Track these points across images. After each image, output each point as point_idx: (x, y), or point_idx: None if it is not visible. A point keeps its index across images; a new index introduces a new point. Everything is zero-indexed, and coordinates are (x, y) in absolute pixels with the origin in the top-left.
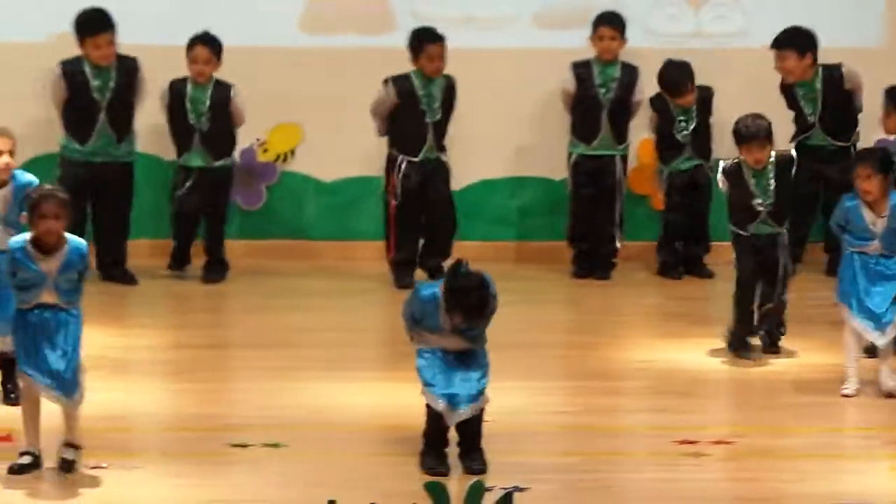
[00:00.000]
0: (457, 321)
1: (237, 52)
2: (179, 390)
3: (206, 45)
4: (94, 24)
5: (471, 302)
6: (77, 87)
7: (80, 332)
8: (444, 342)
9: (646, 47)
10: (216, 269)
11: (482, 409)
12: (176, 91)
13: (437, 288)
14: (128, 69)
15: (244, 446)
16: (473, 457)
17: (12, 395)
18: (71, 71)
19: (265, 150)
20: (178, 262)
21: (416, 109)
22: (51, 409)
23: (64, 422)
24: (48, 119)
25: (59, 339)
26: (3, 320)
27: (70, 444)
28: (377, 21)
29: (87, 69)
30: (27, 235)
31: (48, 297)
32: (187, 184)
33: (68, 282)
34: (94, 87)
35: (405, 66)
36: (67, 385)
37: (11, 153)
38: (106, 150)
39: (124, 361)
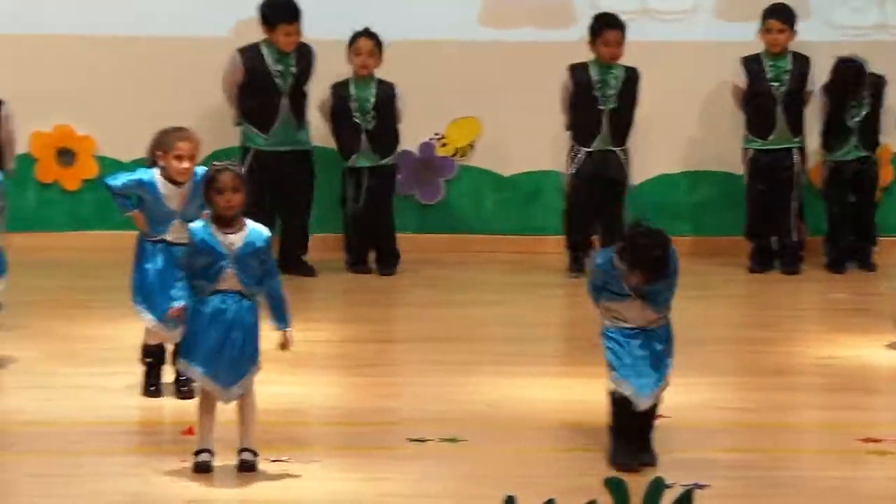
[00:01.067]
0: (638, 279)
1: (416, 45)
2: (357, 384)
3: (370, 38)
4: (286, 12)
5: (653, 255)
6: (258, 73)
7: (258, 325)
8: (630, 312)
9: (827, 42)
10: (389, 263)
11: (659, 398)
12: (339, 93)
13: (611, 252)
14: (306, 55)
15: (421, 441)
16: (644, 449)
17: (184, 389)
18: (250, 57)
19: (444, 145)
20: (356, 266)
21: (590, 97)
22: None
23: (239, 426)
24: (230, 113)
25: (235, 333)
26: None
27: (247, 449)
28: (557, 14)
29: (267, 55)
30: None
31: (229, 283)
32: (357, 188)
33: (250, 266)
34: (276, 73)
35: (584, 59)
36: (232, 379)
37: (192, 157)
38: (288, 137)
39: (302, 355)
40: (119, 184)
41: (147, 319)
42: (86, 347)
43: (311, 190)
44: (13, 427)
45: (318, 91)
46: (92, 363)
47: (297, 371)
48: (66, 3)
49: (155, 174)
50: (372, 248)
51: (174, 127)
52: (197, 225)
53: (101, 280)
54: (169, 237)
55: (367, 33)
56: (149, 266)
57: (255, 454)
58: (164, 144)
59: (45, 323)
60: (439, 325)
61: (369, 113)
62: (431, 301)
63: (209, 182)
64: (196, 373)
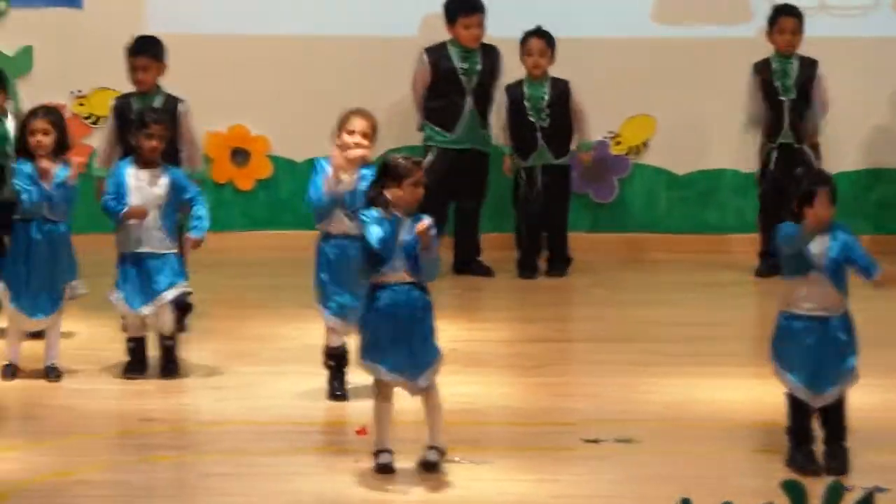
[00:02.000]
0: (822, 205)
1: (589, 43)
2: (531, 384)
3: (542, 37)
4: (465, 5)
5: (823, 173)
6: (443, 71)
7: (431, 315)
8: (812, 289)
9: None
10: (559, 267)
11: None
12: (513, 92)
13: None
14: (491, 55)
15: (596, 441)
16: (835, 454)
17: (338, 393)
18: (436, 55)
19: (618, 143)
20: (528, 269)
21: (770, 89)
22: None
23: (427, 423)
24: (415, 115)
25: (410, 325)
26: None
27: (434, 448)
28: (732, 10)
29: (453, 53)
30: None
31: (398, 276)
32: (532, 187)
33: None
34: (461, 70)
35: (760, 56)
36: (417, 372)
37: (366, 135)
38: (470, 136)
39: (476, 355)
40: (318, 196)
41: (327, 318)
42: (260, 347)
43: (484, 191)
44: (190, 426)
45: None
46: (267, 362)
47: (471, 371)
48: (243, 4)
49: (326, 163)
50: (543, 249)
51: (357, 107)
52: (370, 212)
53: (275, 279)
54: (342, 230)
55: (538, 32)
56: (328, 265)
57: (442, 453)
58: (340, 122)
59: (220, 323)
60: (614, 325)
61: (543, 111)
62: (606, 301)
63: (393, 174)
64: (381, 371)
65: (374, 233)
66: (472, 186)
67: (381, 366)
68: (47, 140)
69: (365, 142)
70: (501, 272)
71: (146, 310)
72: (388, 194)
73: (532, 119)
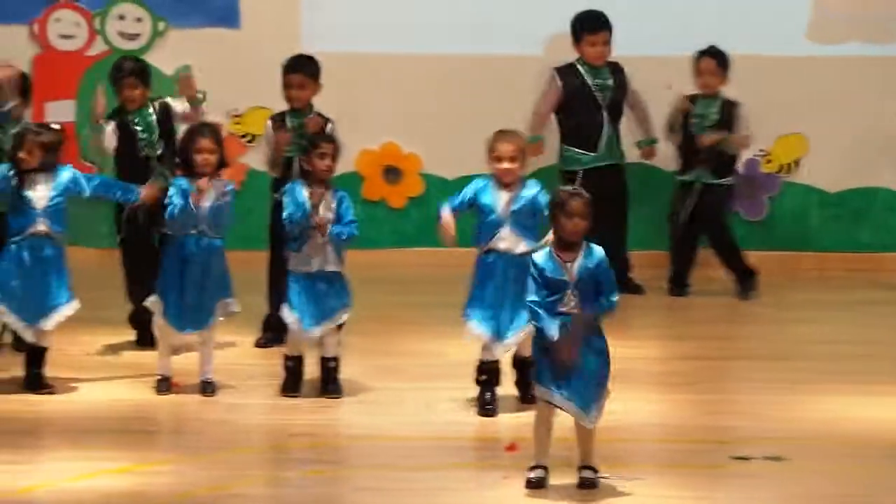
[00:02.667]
0: None
1: (742, 61)
2: (680, 401)
3: (713, 57)
4: (593, 22)
5: None
6: (576, 90)
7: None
8: None
9: None
10: (747, 285)
11: None
12: (685, 107)
13: None
14: (619, 71)
15: (745, 459)
16: None
17: (488, 408)
18: (567, 75)
19: (769, 161)
20: (679, 285)
21: None
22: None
23: (578, 443)
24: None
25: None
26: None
27: (587, 467)
28: (886, 29)
29: (582, 70)
30: (550, 237)
31: (569, 307)
32: (685, 204)
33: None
34: (595, 87)
35: None
36: (587, 402)
37: (513, 158)
38: (609, 152)
39: (626, 372)
40: (456, 204)
41: (478, 332)
42: (410, 363)
43: (626, 207)
44: (342, 441)
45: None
46: (417, 378)
47: (621, 388)
48: (395, 23)
49: (488, 181)
50: (695, 266)
51: (502, 129)
52: (540, 255)
53: (426, 296)
54: (501, 246)
55: (710, 52)
56: (484, 280)
57: (595, 471)
58: (488, 147)
59: (370, 339)
60: (765, 342)
61: (709, 130)
62: (759, 318)
63: (558, 204)
64: (556, 397)
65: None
66: (616, 202)
67: (555, 392)
68: (213, 159)
69: (514, 166)
70: (651, 289)
71: (317, 331)
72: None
73: (695, 134)
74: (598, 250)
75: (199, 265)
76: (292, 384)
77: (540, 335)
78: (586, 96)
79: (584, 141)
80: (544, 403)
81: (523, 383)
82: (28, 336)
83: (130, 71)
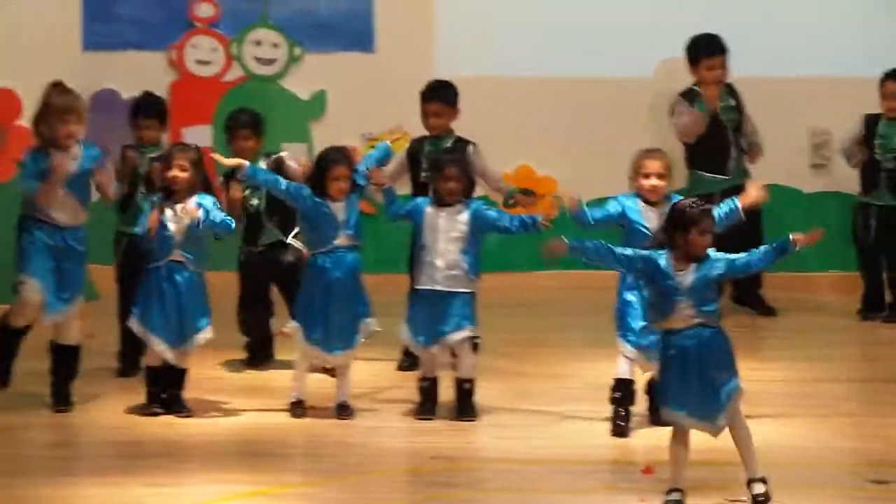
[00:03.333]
0: None
1: None
2: (817, 424)
3: None
4: (710, 46)
5: None
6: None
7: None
8: None
9: None
10: None
11: None
12: (868, 124)
13: None
14: (735, 92)
15: (883, 483)
16: None
17: (621, 424)
18: (691, 98)
19: None
20: (872, 307)
21: None
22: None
23: (742, 457)
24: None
25: (701, 368)
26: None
27: (756, 479)
28: None
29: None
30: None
31: (683, 317)
32: (866, 224)
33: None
34: (722, 109)
35: None
36: (713, 412)
37: (661, 175)
38: (739, 173)
39: (760, 394)
40: (599, 216)
41: (626, 349)
42: (547, 386)
43: (761, 224)
44: (477, 465)
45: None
46: (553, 401)
47: (752, 411)
48: (528, 46)
49: (636, 198)
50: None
51: (648, 148)
52: (659, 253)
53: (562, 319)
54: None
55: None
56: (627, 296)
57: (764, 481)
58: (634, 166)
59: (507, 361)
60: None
61: (891, 153)
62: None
63: (691, 220)
64: (681, 418)
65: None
66: (750, 222)
67: (678, 412)
68: (347, 186)
69: (661, 182)
70: (791, 311)
71: (434, 348)
72: (679, 240)
73: (878, 156)
74: (716, 256)
75: (343, 285)
76: (427, 406)
77: (660, 361)
78: (713, 121)
79: (715, 164)
80: (679, 426)
81: (654, 408)
82: (170, 358)
83: (245, 123)
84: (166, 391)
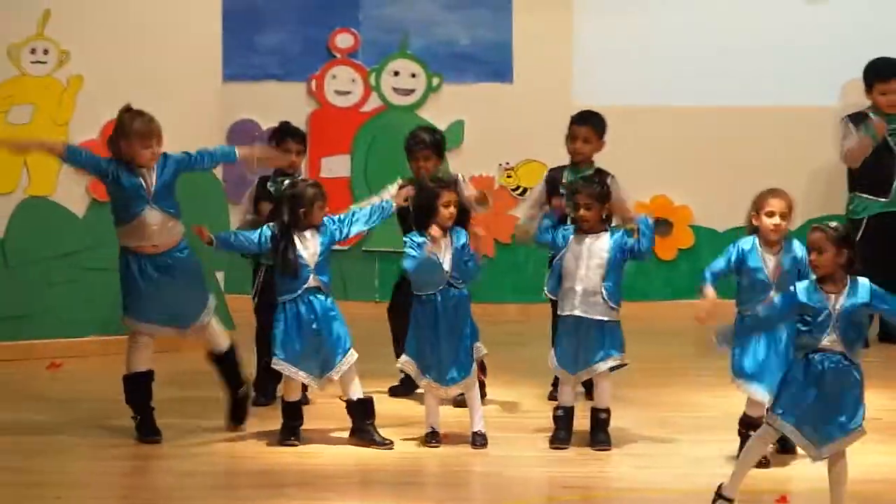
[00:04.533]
0: None
1: None
2: None
3: None
4: (882, 71)
5: None
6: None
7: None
8: None
9: None
10: None
11: None
12: None
13: None
14: None
15: None
16: None
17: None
18: (857, 120)
19: None
20: None
21: None
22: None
23: (831, 492)
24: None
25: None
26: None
27: None
28: None
29: (874, 118)
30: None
31: (830, 342)
32: None
33: (850, 328)
34: (890, 131)
35: None
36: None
37: (784, 215)
38: None
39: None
40: (719, 269)
41: (751, 391)
42: (682, 415)
43: None
44: (611, 494)
45: None
46: (688, 430)
47: (890, 441)
48: (666, 76)
49: (754, 241)
50: None
51: (770, 188)
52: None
53: (695, 348)
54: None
55: None
56: (746, 341)
57: None
58: (756, 204)
59: (642, 391)
60: None
61: None
62: None
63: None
64: (787, 427)
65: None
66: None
67: (788, 422)
68: (456, 212)
69: (783, 223)
70: None
71: (583, 375)
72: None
73: None
74: (864, 284)
75: (449, 317)
76: (562, 435)
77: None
78: (881, 143)
79: (876, 187)
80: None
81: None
82: (316, 387)
83: (428, 143)
84: (357, 425)
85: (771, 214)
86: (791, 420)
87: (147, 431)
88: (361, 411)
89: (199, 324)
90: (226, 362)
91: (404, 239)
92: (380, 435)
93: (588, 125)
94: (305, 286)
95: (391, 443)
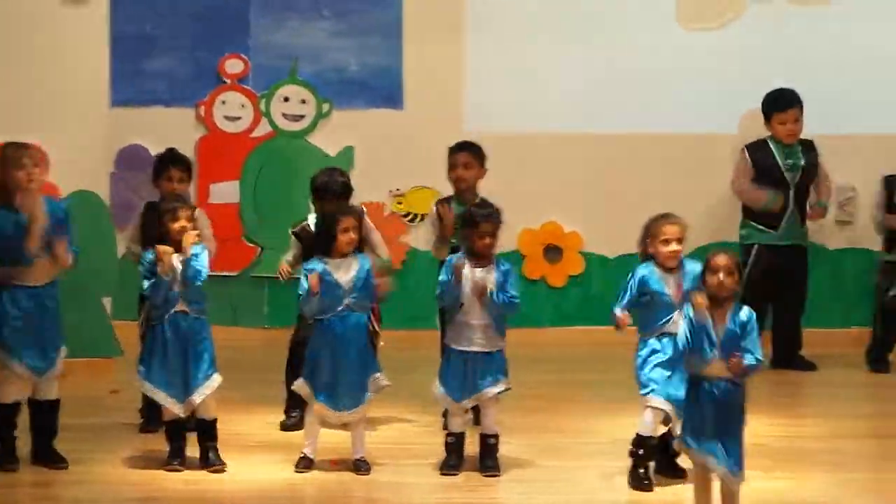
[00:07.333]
0: None
1: None
2: (846, 481)
3: None
4: (779, 102)
5: None
6: (765, 168)
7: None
8: None
9: None
10: None
11: None
12: (889, 184)
13: None
14: (811, 150)
15: None
16: None
17: (646, 483)
18: (756, 150)
19: None
20: (878, 360)
21: None
22: None
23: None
24: (728, 208)
25: (727, 414)
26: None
27: None
28: None
29: (773, 148)
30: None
31: (715, 370)
32: (890, 280)
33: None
34: (786, 167)
35: None
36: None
37: (679, 240)
38: (792, 232)
39: (796, 450)
40: (625, 303)
41: (654, 401)
42: (570, 441)
43: (806, 285)
44: None
45: None
46: (577, 456)
47: (784, 466)
48: (556, 103)
49: (650, 267)
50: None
51: (662, 213)
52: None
53: (585, 374)
54: (670, 328)
55: None
56: (650, 358)
57: None
58: (650, 231)
59: (531, 417)
60: None
61: None
62: None
63: (705, 262)
64: (695, 453)
65: (680, 337)
66: (794, 282)
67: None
68: (356, 237)
69: (680, 248)
70: (830, 367)
71: (468, 403)
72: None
73: None
74: (746, 311)
75: (347, 343)
76: (452, 462)
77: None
78: (775, 175)
79: (767, 218)
80: (699, 468)
81: (668, 460)
82: (179, 411)
83: (337, 190)
84: (200, 445)
85: (667, 242)
86: (694, 445)
87: (4, 460)
88: (210, 431)
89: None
90: (50, 412)
91: (305, 265)
92: (217, 456)
93: (465, 151)
94: (175, 308)
95: (223, 465)
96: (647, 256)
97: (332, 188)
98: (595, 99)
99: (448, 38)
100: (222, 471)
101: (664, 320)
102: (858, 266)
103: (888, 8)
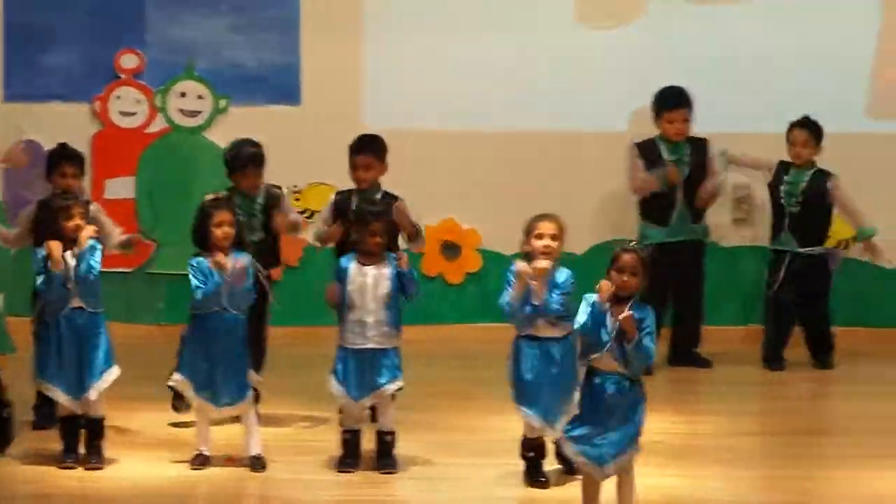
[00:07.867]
0: None
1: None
2: (739, 477)
3: (805, 128)
4: (669, 100)
5: None
6: (653, 165)
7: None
8: None
9: None
10: (824, 353)
11: None
12: (775, 175)
13: None
14: (700, 148)
15: None
16: None
17: (542, 479)
18: (645, 149)
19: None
20: (772, 358)
21: None
22: None
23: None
24: (624, 205)
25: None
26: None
27: None
28: None
29: (660, 146)
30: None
31: (605, 364)
32: (776, 273)
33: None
34: (671, 164)
35: None
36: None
37: (554, 237)
38: (683, 228)
39: (685, 448)
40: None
41: (527, 416)
42: (469, 438)
43: (703, 280)
44: None
45: None
46: (475, 454)
47: (678, 464)
48: (455, 100)
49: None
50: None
51: (541, 213)
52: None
53: (484, 372)
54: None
55: (802, 123)
56: (523, 364)
57: None
58: (527, 228)
59: (428, 414)
60: (823, 417)
61: (795, 198)
62: (814, 393)
63: (612, 259)
64: (572, 452)
65: (579, 318)
66: (690, 278)
67: (574, 447)
68: (232, 231)
69: (554, 244)
70: (725, 364)
71: (367, 401)
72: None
73: (783, 203)
74: (645, 308)
75: (223, 340)
76: (349, 459)
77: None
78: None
79: (658, 216)
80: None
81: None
82: (74, 407)
83: (246, 159)
84: (87, 443)
85: (540, 237)
86: (576, 446)
87: None
88: (96, 429)
89: None
90: None
91: (191, 259)
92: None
93: (365, 153)
94: (70, 306)
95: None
96: (526, 254)
97: (241, 156)
98: (493, 97)
99: (346, 34)
100: (100, 468)
101: (530, 323)
102: (755, 263)
103: (784, 9)
